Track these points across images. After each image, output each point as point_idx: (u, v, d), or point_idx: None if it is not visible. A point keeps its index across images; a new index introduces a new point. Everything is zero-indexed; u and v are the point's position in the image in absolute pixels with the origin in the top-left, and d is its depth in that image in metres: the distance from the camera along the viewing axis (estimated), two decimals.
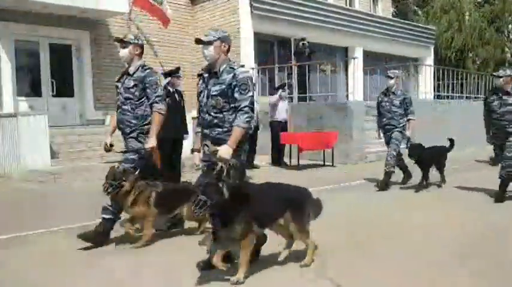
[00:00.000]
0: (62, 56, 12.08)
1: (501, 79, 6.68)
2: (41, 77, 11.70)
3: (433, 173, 7.89)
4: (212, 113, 3.86)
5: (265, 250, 4.40)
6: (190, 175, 9.25)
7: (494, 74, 7.01)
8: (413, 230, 5.07)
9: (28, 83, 11.74)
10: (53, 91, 11.76)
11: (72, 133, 10.98)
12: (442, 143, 8.07)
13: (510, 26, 25.30)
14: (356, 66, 15.54)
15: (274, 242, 4.74)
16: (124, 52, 4.87)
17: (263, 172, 10.04)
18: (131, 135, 4.72)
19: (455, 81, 16.14)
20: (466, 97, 16.70)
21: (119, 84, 4.89)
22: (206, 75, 4.06)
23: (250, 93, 3.82)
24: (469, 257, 4.07)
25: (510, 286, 3.51)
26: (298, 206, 3.73)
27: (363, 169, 10.27)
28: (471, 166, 10.46)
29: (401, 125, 7.73)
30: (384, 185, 7.69)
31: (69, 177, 8.74)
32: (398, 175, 8.10)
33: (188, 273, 3.69)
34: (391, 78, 7.79)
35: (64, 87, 12.00)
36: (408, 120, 7.76)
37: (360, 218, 5.73)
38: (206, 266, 3.68)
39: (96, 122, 12.08)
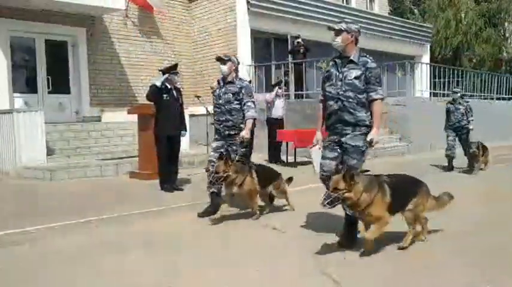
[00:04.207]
0: (58, 53, 12.03)
1: None
2: (37, 73, 11.65)
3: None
4: None
5: (264, 247, 4.41)
6: (188, 171, 9.30)
7: None
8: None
9: (24, 80, 11.69)
10: (48, 88, 11.71)
11: (68, 130, 10.96)
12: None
13: (506, 24, 25.35)
14: None
15: (271, 239, 4.74)
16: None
17: None
18: None
19: (451, 79, 16.16)
20: (462, 95, 16.72)
21: None
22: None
23: None
24: (466, 252, 4.09)
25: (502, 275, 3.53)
26: None
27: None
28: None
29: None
30: None
31: (65, 174, 8.71)
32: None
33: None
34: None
35: (60, 84, 11.95)
36: None
37: None
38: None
39: (92, 119, 12.05)
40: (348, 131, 4.35)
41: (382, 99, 4.34)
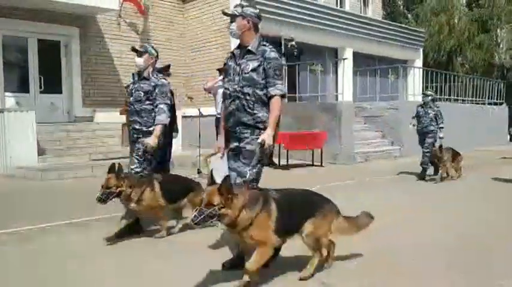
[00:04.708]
0: (50, 52, 11.97)
1: None
2: (29, 73, 11.59)
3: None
4: None
5: None
6: (180, 172, 9.28)
7: None
8: (405, 230, 5.10)
9: (16, 79, 11.62)
10: (40, 87, 11.65)
11: (60, 130, 10.90)
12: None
13: (498, 30, 25.55)
14: (345, 67, 15.59)
15: None
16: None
17: None
18: None
19: (443, 84, 16.28)
20: (454, 99, 16.87)
21: None
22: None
23: None
24: (459, 255, 4.12)
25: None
26: None
27: (352, 169, 10.35)
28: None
29: None
30: None
31: (56, 174, 8.67)
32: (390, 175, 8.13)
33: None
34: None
35: (52, 84, 11.89)
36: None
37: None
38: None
39: (84, 119, 12.00)
40: (246, 135, 3.71)
41: (282, 95, 3.74)
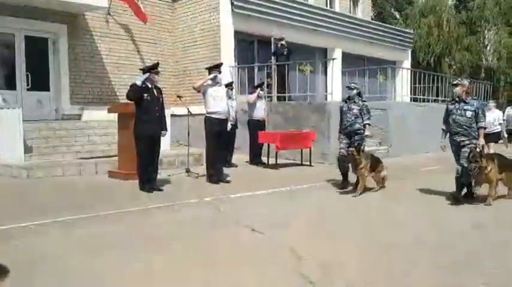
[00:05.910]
0: (38, 49, 11.84)
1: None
2: (16, 70, 11.44)
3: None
4: None
5: (242, 247, 4.40)
6: (169, 171, 9.25)
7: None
8: (396, 230, 5.13)
9: (2, 76, 11.47)
10: (28, 84, 11.51)
11: (47, 128, 10.78)
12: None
13: (486, 31, 25.83)
14: (334, 67, 15.63)
15: (248, 240, 4.76)
16: None
17: (240, 170, 10.05)
18: None
19: (431, 85, 16.39)
20: (442, 100, 16.98)
21: None
22: None
23: None
24: (441, 254, 4.15)
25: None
26: None
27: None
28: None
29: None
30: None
31: (42, 172, 8.58)
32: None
33: None
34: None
35: (39, 81, 11.76)
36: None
37: (337, 216, 5.77)
38: None
39: (72, 117, 11.90)
40: None
41: None
